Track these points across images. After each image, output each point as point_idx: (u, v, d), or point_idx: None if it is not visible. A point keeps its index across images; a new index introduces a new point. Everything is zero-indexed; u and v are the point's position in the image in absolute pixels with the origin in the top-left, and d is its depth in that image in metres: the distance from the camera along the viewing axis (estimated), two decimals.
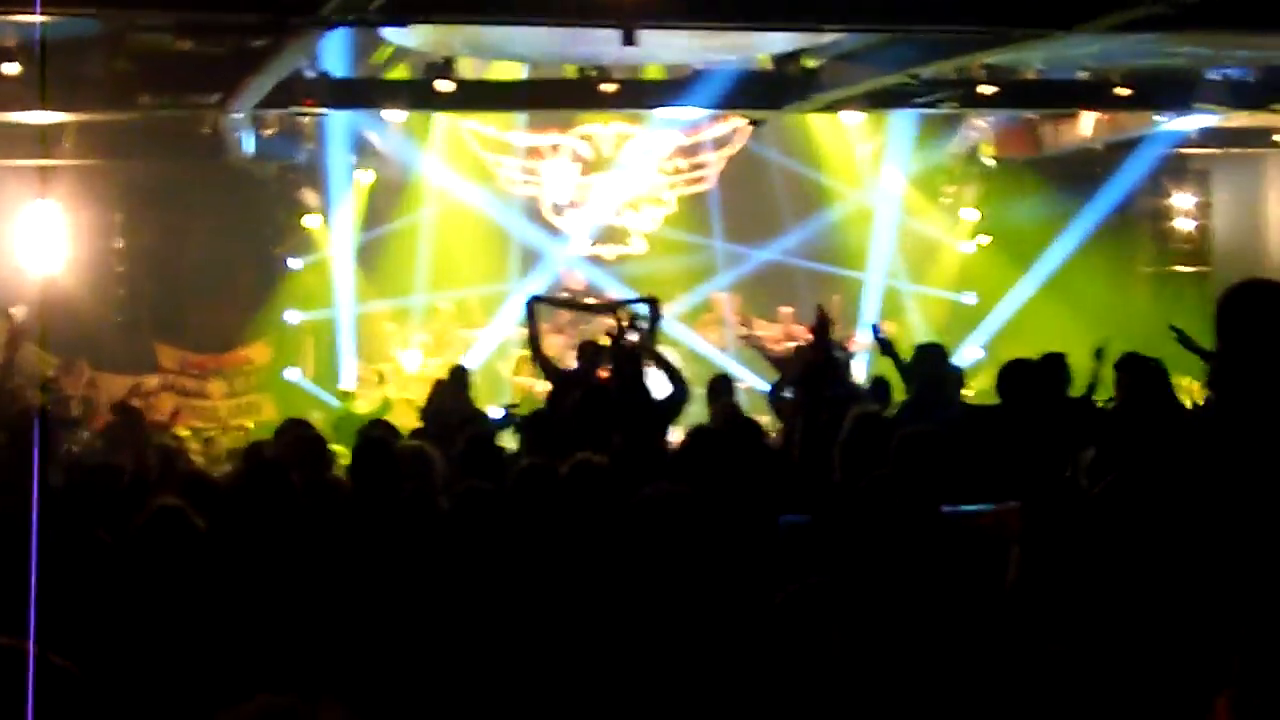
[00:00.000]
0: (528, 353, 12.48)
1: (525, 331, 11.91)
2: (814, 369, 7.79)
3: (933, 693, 4.76)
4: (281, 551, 6.04)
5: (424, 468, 7.04)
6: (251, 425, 19.20)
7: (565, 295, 17.89)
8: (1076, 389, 9.69)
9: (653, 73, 17.72)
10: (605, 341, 10.70)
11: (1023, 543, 5.36)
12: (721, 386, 11.84)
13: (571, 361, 12.70)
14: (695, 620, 4.95)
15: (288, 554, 6.03)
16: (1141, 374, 7.95)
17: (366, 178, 19.87)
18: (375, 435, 8.09)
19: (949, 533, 5.70)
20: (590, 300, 17.02)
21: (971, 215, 21.32)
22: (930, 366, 9.27)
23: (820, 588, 4.83)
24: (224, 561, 5.72)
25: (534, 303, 12.04)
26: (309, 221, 19.50)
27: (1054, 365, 9.07)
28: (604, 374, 10.60)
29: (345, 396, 17.65)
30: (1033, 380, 8.37)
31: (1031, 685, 4.23)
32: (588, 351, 11.67)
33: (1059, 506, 5.42)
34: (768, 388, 11.62)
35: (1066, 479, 5.93)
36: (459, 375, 13.34)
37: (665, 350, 12.10)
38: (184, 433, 17.37)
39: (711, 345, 20.38)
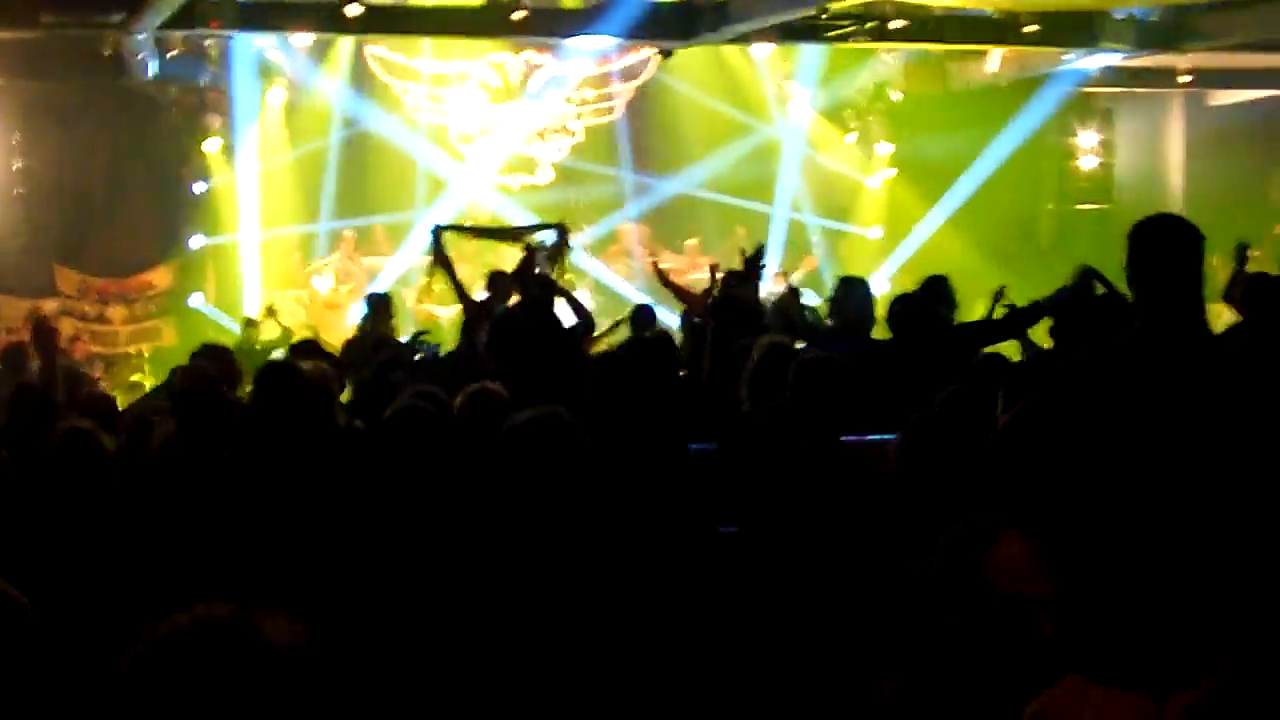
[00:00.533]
0: (429, 281, 12.30)
1: (431, 260, 11.68)
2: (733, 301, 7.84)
3: (825, 618, 4.83)
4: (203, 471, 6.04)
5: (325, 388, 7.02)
6: (148, 352, 19.04)
7: (470, 224, 17.78)
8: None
9: (565, 1, 17.62)
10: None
11: (898, 474, 5.42)
12: (645, 317, 11.81)
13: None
14: (587, 545, 4.96)
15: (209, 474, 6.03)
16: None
17: (271, 102, 19.64)
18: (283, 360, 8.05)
19: (847, 461, 5.77)
20: (496, 227, 16.94)
21: (879, 150, 21.38)
22: (852, 300, 9.28)
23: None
24: (142, 482, 5.69)
25: (439, 231, 11.88)
26: (213, 146, 19.27)
27: (933, 290, 9.17)
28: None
29: (248, 324, 17.50)
30: (914, 311, 8.49)
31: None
32: (498, 282, 11.57)
33: (929, 438, 5.47)
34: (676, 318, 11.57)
35: (939, 409, 5.96)
36: (379, 303, 13.21)
37: (574, 280, 12.08)
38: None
39: (619, 276, 20.38)
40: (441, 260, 11.49)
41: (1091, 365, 5.04)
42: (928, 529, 4.59)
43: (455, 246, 15.83)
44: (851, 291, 9.29)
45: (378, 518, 5.44)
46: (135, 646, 2.27)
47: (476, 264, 14.76)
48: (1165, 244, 4.86)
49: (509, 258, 12.31)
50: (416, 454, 5.76)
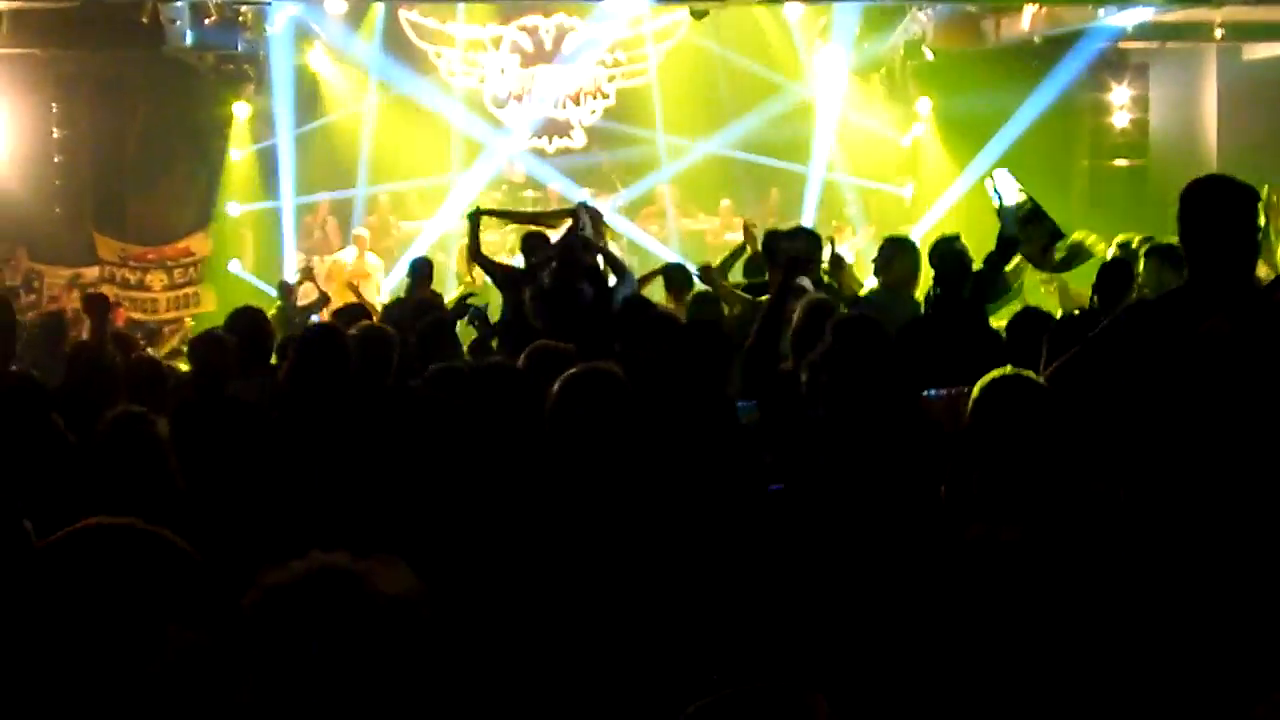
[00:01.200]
0: (469, 269, 12.35)
1: (468, 247, 11.74)
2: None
3: (874, 575, 4.89)
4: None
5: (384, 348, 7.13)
6: (191, 319, 19.16)
7: (508, 210, 17.79)
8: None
9: None
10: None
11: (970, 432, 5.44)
12: (681, 276, 11.83)
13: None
14: (640, 501, 5.02)
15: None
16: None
17: (307, 68, 19.71)
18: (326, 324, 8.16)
19: (892, 418, 5.82)
20: (532, 212, 16.98)
21: (912, 109, 21.35)
22: (898, 261, 9.31)
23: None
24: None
25: (478, 216, 11.90)
26: (249, 112, 19.35)
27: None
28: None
29: (284, 288, 17.57)
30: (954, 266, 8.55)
31: (975, 571, 4.31)
32: (532, 244, 11.62)
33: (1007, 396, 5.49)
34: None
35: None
36: (422, 267, 13.31)
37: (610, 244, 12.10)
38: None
39: (652, 237, 20.45)
40: (476, 250, 11.52)
41: (1139, 318, 5.12)
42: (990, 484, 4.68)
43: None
44: (898, 252, 9.34)
45: (435, 476, 5.49)
46: (254, 591, 2.36)
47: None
48: (1216, 206, 4.94)
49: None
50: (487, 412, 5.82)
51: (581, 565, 4.77)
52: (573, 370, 5.26)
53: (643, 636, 4.63)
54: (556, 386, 5.20)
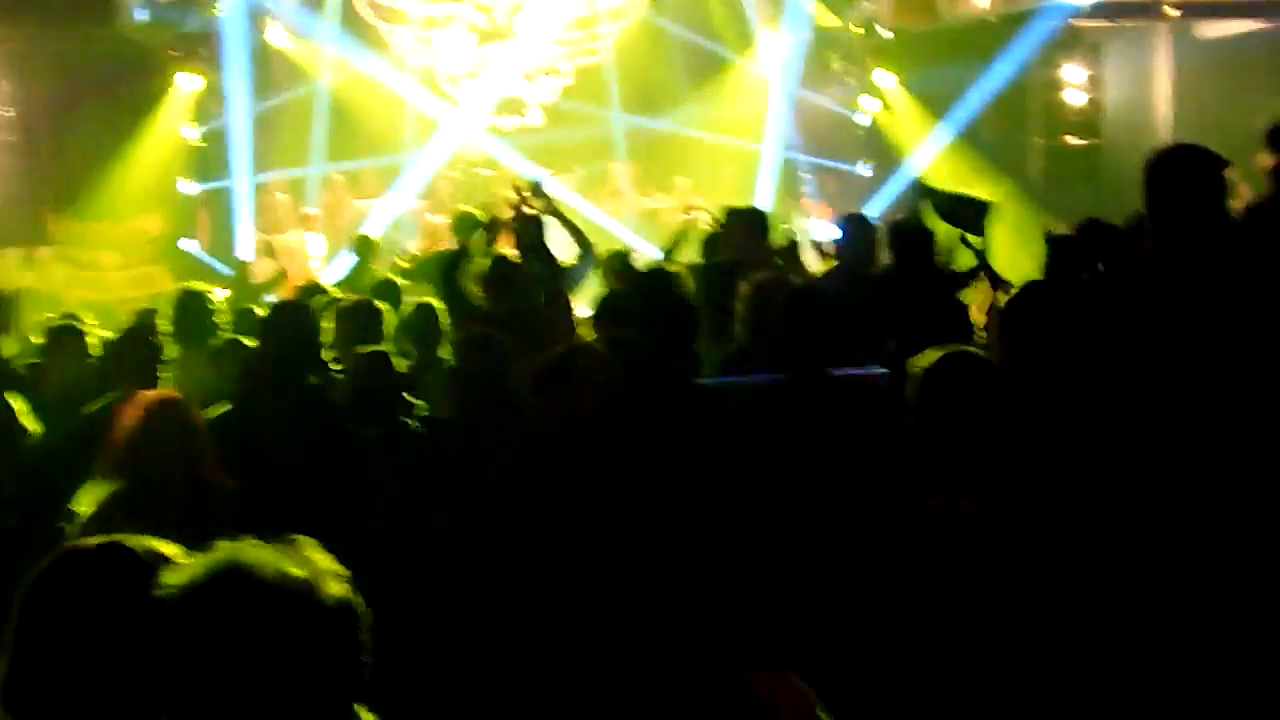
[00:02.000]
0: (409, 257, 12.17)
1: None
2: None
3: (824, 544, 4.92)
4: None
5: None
6: (144, 297, 19.06)
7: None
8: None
9: None
10: (506, 215, 10.60)
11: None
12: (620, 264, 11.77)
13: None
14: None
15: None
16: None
17: (260, 46, 19.61)
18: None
19: (838, 392, 5.84)
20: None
21: (867, 87, 21.38)
22: (853, 237, 9.34)
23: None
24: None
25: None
26: (198, 88, 19.24)
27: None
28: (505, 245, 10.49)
29: (241, 268, 17.49)
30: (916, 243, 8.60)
31: (923, 542, 4.34)
32: (464, 223, 11.50)
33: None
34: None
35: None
36: (363, 245, 13.27)
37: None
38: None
39: (609, 216, 20.44)
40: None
41: (1100, 293, 5.14)
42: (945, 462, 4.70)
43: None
44: (852, 228, 9.38)
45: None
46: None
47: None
48: (1182, 175, 4.95)
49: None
50: None
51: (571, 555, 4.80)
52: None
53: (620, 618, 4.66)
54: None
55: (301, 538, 2.55)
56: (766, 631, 4.60)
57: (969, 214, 8.95)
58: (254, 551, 2.46)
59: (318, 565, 2.48)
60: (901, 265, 8.54)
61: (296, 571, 2.44)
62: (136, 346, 7.45)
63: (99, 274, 19.38)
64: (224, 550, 2.47)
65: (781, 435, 5.58)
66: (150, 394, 5.48)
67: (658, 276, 7.77)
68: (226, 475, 5.12)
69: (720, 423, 5.81)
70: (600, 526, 4.83)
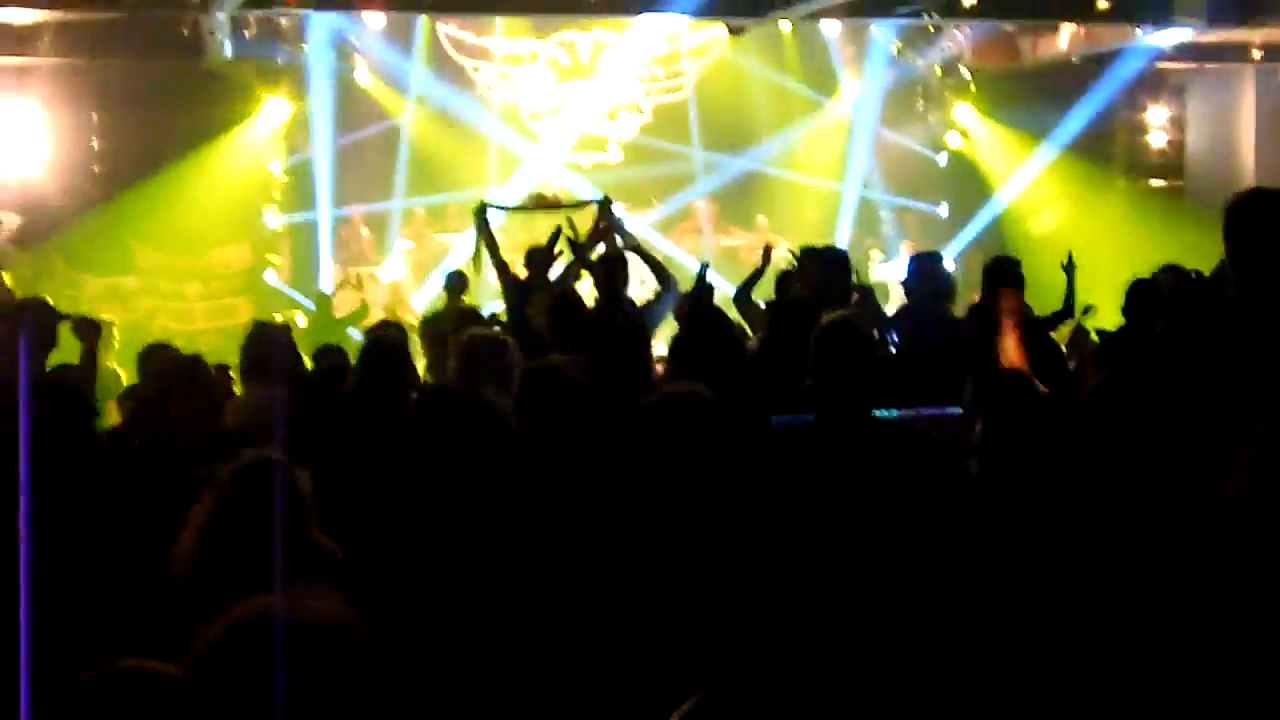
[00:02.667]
0: (474, 261, 12.13)
1: (479, 241, 11.59)
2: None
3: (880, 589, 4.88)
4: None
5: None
6: (228, 327, 19.24)
7: (517, 203, 17.63)
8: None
9: None
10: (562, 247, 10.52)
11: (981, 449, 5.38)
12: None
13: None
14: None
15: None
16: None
17: (345, 81, 19.79)
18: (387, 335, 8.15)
19: (884, 434, 5.80)
20: (536, 203, 16.83)
21: (948, 127, 21.34)
22: (921, 277, 9.27)
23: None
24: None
25: (484, 209, 11.79)
26: (285, 122, 19.43)
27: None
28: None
29: (323, 300, 17.63)
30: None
31: (988, 585, 4.31)
32: (535, 257, 11.46)
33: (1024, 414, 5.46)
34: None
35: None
36: (455, 280, 13.34)
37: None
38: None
39: (688, 253, 20.47)
40: (486, 237, 11.39)
41: (1182, 335, 5.10)
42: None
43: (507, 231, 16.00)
44: (921, 267, 9.31)
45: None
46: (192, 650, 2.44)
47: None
48: (1264, 220, 4.90)
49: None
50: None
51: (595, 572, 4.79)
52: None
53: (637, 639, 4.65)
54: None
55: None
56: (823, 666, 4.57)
57: None
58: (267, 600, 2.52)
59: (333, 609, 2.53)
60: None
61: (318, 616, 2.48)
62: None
63: (183, 305, 19.58)
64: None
65: (809, 475, 5.51)
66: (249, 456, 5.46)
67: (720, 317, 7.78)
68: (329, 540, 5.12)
69: (768, 462, 5.77)
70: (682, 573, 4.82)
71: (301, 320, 18.19)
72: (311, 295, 18.44)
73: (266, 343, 7.89)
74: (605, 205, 11.08)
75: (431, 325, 10.83)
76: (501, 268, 11.24)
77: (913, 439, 5.59)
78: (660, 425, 5.07)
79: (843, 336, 5.97)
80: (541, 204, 15.99)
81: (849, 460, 5.41)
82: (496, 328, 10.41)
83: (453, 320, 9.62)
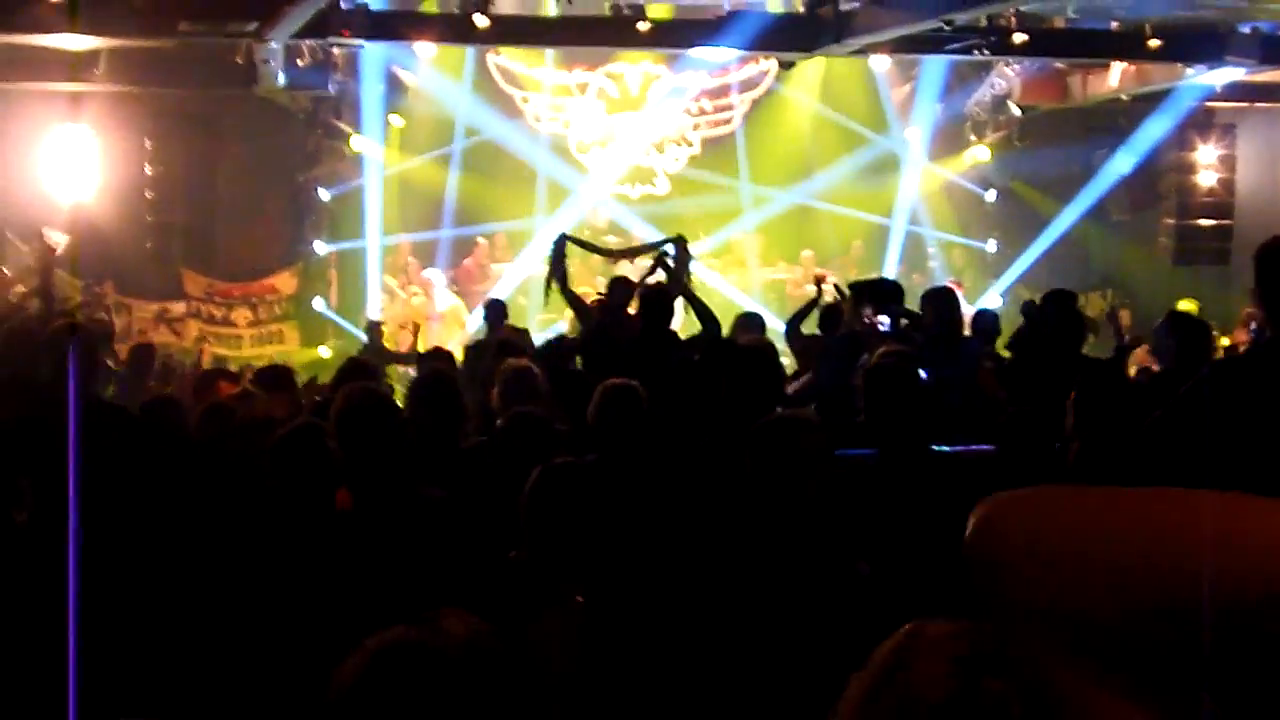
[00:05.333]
0: (548, 287, 12.26)
1: (549, 268, 11.73)
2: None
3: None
4: None
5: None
6: (274, 354, 19.34)
7: (594, 243, 17.72)
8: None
9: (686, 12, 17.74)
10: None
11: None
12: (750, 323, 11.76)
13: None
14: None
15: None
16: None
17: (396, 110, 19.90)
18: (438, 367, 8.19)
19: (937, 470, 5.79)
20: (618, 249, 16.96)
21: (997, 164, 21.30)
22: (942, 309, 9.26)
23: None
24: None
25: (564, 241, 11.95)
26: (351, 143, 19.55)
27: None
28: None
29: (372, 329, 17.65)
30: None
31: None
32: (618, 290, 11.57)
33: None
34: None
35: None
36: (497, 308, 13.41)
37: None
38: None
39: (734, 287, 20.50)
40: (558, 268, 11.54)
41: (1224, 375, 5.10)
42: None
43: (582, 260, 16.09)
44: (934, 303, 9.27)
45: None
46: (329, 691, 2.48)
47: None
48: None
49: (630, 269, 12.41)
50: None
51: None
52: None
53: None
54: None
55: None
56: None
57: None
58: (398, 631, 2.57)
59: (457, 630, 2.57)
60: (1058, 337, 8.53)
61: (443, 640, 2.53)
62: None
63: (230, 331, 19.71)
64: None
65: (873, 511, 5.54)
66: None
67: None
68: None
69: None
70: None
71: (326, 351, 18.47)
72: (359, 324, 18.49)
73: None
74: (681, 244, 11.27)
75: (473, 355, 10.95)
76: (574, 300, 11.39)
77: (969, 472, 5.64)
78: (773, 447, 5.04)
79: (897, 374, 6.02)
80: (619, 251, 16.03)
81: (914, 494, 5.47)
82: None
83: (493, 350, 9.69)
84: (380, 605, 4.28)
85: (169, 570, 5.06)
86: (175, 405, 7.60)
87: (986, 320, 11.47)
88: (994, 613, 1.49)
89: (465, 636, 2.54)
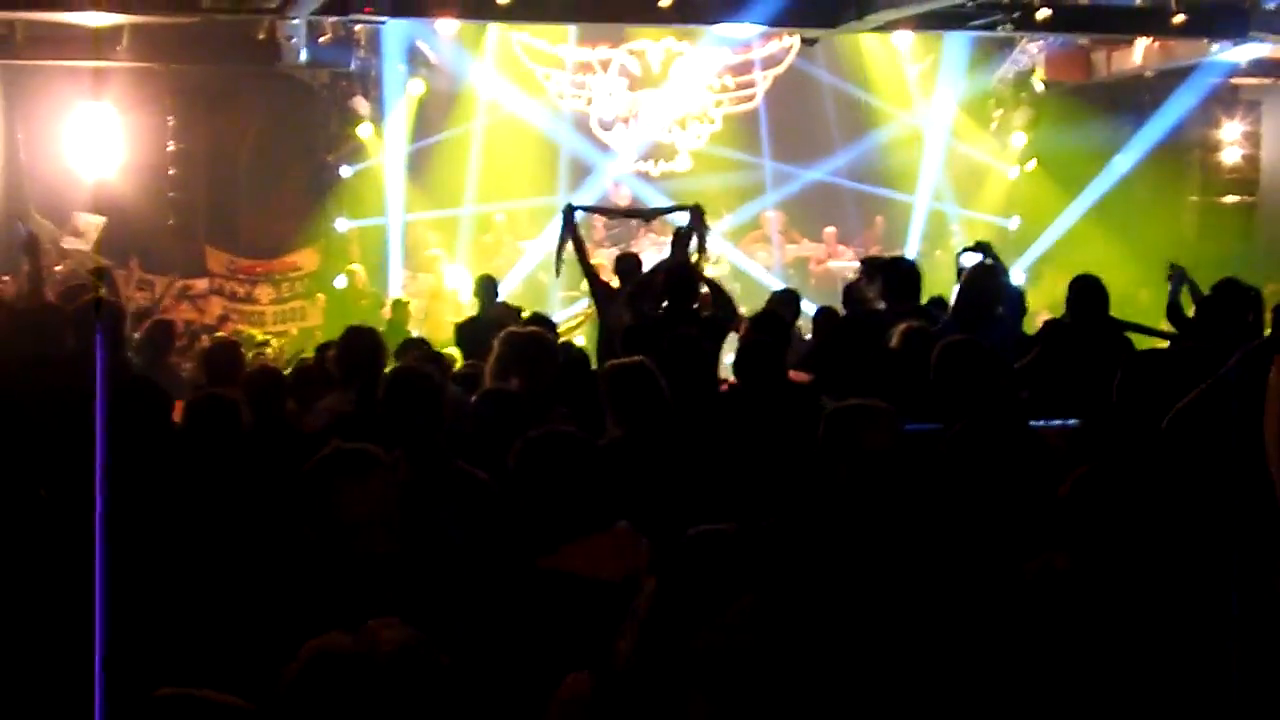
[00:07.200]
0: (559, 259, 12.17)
1: (562, 241, 11.63)
2: None
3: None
4: None
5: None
6: (296, 331, 19.39)
7: (604, 206, 17.68)
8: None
9: None
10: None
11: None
12: (787, 299, 11.70)
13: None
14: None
15: None
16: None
17: (418, 87, 19.89)
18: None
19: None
20: (629, 209, 16.94)
21: (1020, 140, 21.24)
22: (977, 284, 9.23)
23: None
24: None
25: (571, 210, 11.84)
26: (360, 130, 19.55)
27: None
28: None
29: (397, 306, 17.64)
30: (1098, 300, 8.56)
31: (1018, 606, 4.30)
32: (627, 265, 11.54)
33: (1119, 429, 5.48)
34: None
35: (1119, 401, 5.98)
36: (487, 284, 13.37)
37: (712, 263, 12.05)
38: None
39: (757, 263, 20.49)
40: (575, 239, 11.47)
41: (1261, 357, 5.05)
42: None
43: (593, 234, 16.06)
44: (974, 280, 9.25)
45: None
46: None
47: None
48: None
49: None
50: None
51: None
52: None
53: None
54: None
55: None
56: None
57: None
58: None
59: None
60: (1079, 318, 8.53)
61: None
62: None
63: (253, 308, 19.72)
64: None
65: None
66: None
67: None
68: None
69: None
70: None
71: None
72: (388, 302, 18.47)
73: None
74: (697, 213, 11.19)
75: (467, 328, 10.98)
76: (590, 272, 11.34)
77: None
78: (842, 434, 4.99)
79: (976, 352, 6.07)
80: (630, 211, 16.07)
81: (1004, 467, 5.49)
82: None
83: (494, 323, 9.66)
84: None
85: (199, 538, 5.08)
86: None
87: (1014, 296, 11.41)
88: None
89: (397, 645, 2.61)
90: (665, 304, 9.72)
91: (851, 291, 10.63)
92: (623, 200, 20.52)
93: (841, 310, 10.56)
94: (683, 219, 11.44)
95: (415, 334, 14.99)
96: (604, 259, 15.63)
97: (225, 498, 5.40)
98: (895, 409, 4.96)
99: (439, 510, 5.15)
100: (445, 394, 5.84)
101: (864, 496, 4.72)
